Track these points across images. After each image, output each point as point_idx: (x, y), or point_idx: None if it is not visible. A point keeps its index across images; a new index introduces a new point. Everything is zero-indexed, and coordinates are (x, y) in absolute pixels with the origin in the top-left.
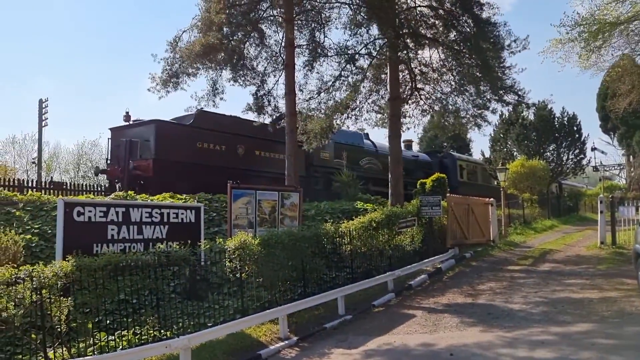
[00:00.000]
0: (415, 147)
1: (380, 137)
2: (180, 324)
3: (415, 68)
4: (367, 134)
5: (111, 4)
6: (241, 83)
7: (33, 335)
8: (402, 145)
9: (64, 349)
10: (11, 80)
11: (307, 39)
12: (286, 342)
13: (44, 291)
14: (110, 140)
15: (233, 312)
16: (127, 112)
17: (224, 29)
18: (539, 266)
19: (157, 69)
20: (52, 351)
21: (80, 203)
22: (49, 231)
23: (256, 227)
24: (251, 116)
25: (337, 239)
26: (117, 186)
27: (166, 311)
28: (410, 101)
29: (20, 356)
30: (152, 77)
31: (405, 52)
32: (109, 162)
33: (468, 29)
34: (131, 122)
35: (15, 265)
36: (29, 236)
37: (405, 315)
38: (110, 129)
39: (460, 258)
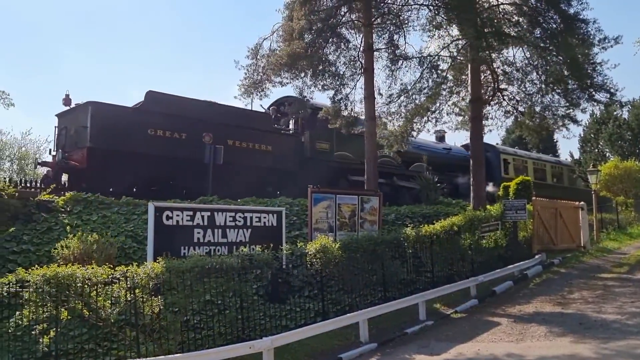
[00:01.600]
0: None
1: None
2: (263, 325)
3: (498, 68)
4: None
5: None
6: (320, 88)
7: (127, 332)
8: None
9: (155, 345)
10: (106, 90)
11: (385, 42)
12: (367, 346)
13: (137, 291)
14: (56, 128)
15: (314, 315)
16: (67, 95)
17: (305, 36)
18: (635, 274)
19: (236, 76)
20: (144, 347)
21: (169, 207)
22: (141, 233)
23: (336, 231)
24: (256, 105)
25: (418, 243)
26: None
27: (249, 312)
28: (492, 102)
29: (115, 351)
30: (240, 85)
31: (487, 51)
32: (52, 152)
33: (554, 25)
34: (71, 106)
35: (111, 266)
36: (122, 238)
37: (489, 323)
38: (57, 115)
39: (547, 264)
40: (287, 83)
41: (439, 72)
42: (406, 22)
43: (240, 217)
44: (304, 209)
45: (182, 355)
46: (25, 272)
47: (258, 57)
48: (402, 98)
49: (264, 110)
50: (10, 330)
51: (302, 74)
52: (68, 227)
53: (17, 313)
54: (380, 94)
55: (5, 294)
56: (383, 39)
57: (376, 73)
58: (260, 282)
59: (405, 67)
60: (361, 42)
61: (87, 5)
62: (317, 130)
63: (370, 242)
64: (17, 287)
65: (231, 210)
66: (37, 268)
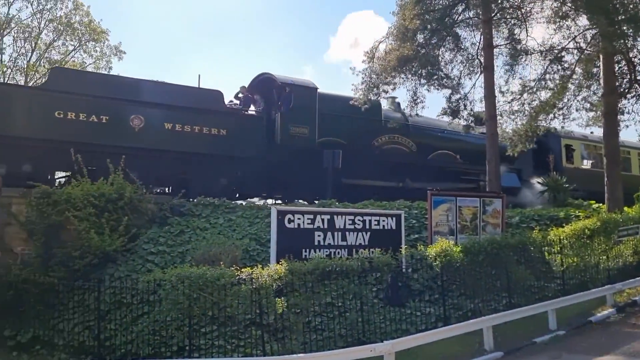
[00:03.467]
0: None
1: None
2: (383, 328)
3: (635, 57)
4: (399, 103)
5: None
6: (436, 87)
7: (253, 331)
8: (461, 126)
9: (279, 344)
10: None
11: (505, 38)
12: (492, 354)
13: (261, 291)
14: None
15: (435, 319)
16: None
17: (418, 37)
18: None
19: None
20: (269, 346)
21: (291, 211)
22: (263, 236)
23: (457, 234)
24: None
25: (546, 247)
26: None
27: (369, 315)
28: (629, 95)
29: (243, 348)
30: (354, 88)
31: (622, 40)
32: None
33: None
34: None
35: (237, 267)
36: (247, 240)
37: (630, 335)
38: None
39: None
40: (399, 85)
41: (564, 62)
42: (528, 15)
43: (359, 220)
44: (422, 212)
45: (305, 356)
46: (162, 272)
47: (374, 60)
48: (524, 95)
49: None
50: (149, 325)
51: (413, 75)
52: (198, 230)
53: (155, 309)
54: (501, 91)
55: (145, 291)
56: (502, 34)
57: (496, 70)
58: (379, 285)
59: (528, 61)
60: (480, 39)
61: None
62: (293, 111)
63: (494, 245)
64: (155, 285)
65: (350, 214)
66: (172, 268)
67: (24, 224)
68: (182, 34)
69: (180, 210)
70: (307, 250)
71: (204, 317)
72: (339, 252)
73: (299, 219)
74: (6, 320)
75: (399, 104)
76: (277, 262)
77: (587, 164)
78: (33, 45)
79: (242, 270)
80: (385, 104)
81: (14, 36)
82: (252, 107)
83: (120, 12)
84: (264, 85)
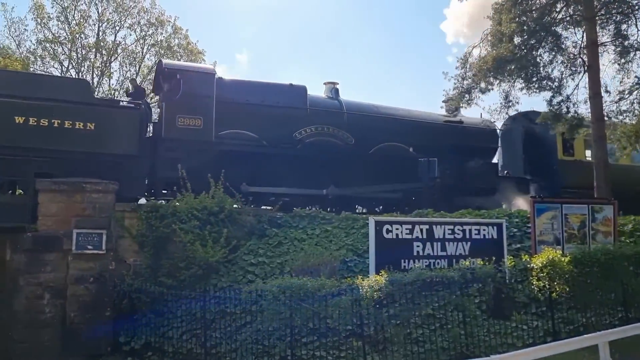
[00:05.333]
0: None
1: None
2: (487, 342)
3: None
4: (337, 90)
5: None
6: (535, 89)
7: (353, 342)
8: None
9: (380, 356)
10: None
11: (611, 35)
12: None
13: (362, 302)
14: None
15: (543, 334)
16: None
17: (515, 39)
18: None
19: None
20: (370, 357)
21: (389, 221)
22: (360, 247)
23: (564, 244)
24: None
25: None
26: None
27: (472, 328)
28: None
29: (343, 359)
30: (445, 93)
31: None
32: None
33: None
34: None
35: (336, 279)
36: (344, 251)
37: None
38: None
39: None
40: (493, 88)
41: None
42: (636, 8)
43: (459, 229)
44: (524, 221)
45: None
46: (263, 283)
47: (467, 66)
48: (634, 94)
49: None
50: (251, 334)
51: (509, 77)
52: (295, 241)
53: (258, 319)
54: (607, 91)
55: (247, 301)
56: (608, 31)
57: (602, 69)
58: (482, 296)
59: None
60: (582, 37)
61: None
62: (182, 100)
63: (607, 256)
64: (257, 296)
65: (450, 223)
66: (272, 279)
67: (135, 236)
68: (285, 42)
69: (278, 222)
70: (406, 260)
71: (304, 328)
72: (438, 263)
73: (397, 229)
74: (121, 327)
75: (337, 90)
76: (377, 272)
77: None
78: (137, 68)
79: (342, 281)
80: (323, 92)
81: (120, 61)
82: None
83: (216, 31)
84: (159, 76)
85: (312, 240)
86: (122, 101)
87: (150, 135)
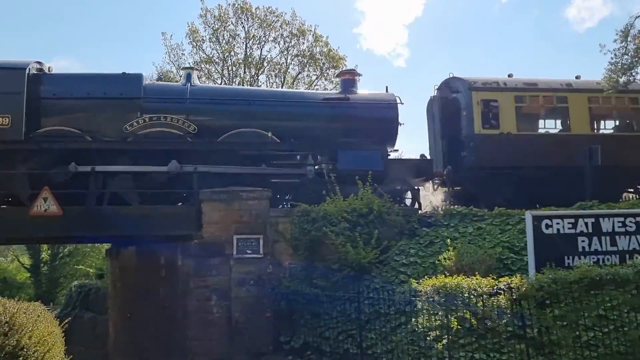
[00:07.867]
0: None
1: None
2: None
3: None
4: (190, 74)
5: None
6: None
7: (515, 344)
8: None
9: None
10: None
11: None
12: None
13: (522, 302)
14: None
15: None
16: None
17: None
18: None
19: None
20: None
21: (547, 216)
22: (517, 244)
23: None
24: None
25: None
26: None
27: None
28: None
29: None
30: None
31: None
32: None
33: None
34: None
35: (493, 277)
36: (499, 249)
37: None
38: None
39: None
40: None
41: None
42: None
43: (630, 222)
44: None
45: None
46: (417, 283)
47: (628, 39)
48: None
49: None
50: (407, 335)
51: None
52: (448, 240)
53: (413, 320)
54: None
55: (401, 302)
56: None
57: None
58: None
59: None
60: None
61: None
62: None
63: None
64: (411, 296)
65: (620, 215)
66: (426, 279)
67: (289, 240)
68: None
69: (428, 222)
70: (570, 257)
71: (461, 329)
72: (608, 259)
73: (557, 223)
74: (281, 327)
75: (189, 75)
76: (537, 270)
77: (517, 126)
78: (282, 79)
79: (500, 279)
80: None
81: (266, 74)
82: None
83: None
84: None
85: (464, 238)
86: None
87: None
